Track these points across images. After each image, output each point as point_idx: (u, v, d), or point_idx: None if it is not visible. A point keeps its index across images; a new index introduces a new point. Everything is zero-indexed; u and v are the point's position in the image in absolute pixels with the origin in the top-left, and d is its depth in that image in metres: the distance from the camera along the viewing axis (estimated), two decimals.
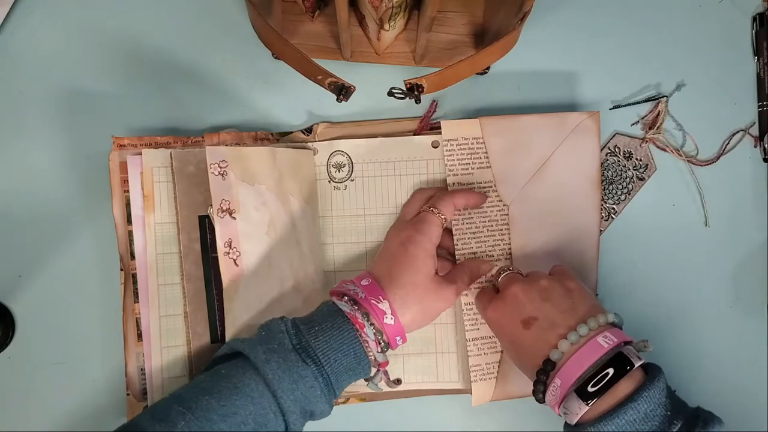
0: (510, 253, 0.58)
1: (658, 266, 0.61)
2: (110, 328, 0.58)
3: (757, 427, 0.61)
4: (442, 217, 0.53)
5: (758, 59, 0.63)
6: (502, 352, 0.57)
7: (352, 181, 0.59)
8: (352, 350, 0.48)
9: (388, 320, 0.49)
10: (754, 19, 0.63)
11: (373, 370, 0.51)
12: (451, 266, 0.56)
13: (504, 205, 0.58)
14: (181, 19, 0.61)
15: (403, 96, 0.52)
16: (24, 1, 0.61)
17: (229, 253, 0.54)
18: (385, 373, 0.52)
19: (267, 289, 0.55)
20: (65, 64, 0.60)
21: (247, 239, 0.54)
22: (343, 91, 0.51)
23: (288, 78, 0.60)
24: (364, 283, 0.51)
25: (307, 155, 0.58)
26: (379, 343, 0.49)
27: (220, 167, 0.54)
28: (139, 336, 0.56)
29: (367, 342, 0.48)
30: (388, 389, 0.55)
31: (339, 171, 0.59)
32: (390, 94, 0.52)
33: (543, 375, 0.45)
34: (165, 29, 0.61)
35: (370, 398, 0.59)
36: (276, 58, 0.60)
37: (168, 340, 0.55)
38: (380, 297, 0.49)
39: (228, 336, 0.53)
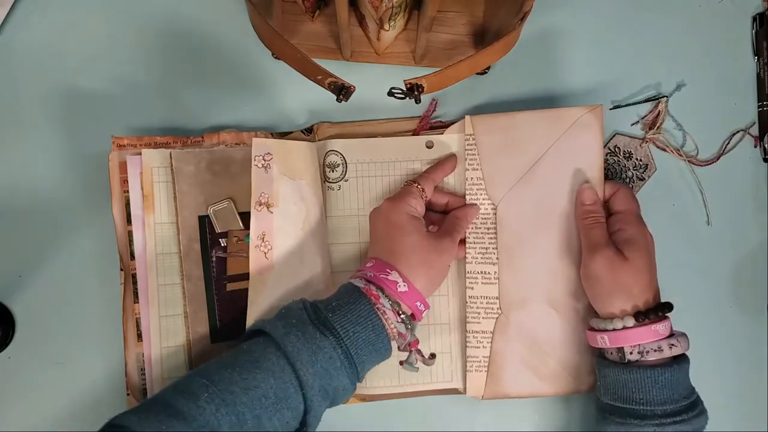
0: (497, 255, 0.58)
1: (658, 266, 0.61)
2: (110, 328, 0.58)
3: (757, 427, 0.61)
4: (420, 187, 0.55)
5: (758, 59, 0.63)
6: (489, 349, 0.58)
7: (346, 181, 0.59)
8: (370, 323, 0.48)
9: (402, 288, 0.49)
10: (754, 19, 0.63)
11: (405, 354, 0.52)
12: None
13: (493, 206, 0.58)
14: (181, 20, 0.61)
15: (403, 96, 0.52)
16: (24, 1, 0.61)
17: (260, 246, 0.54)
18: (419, 351, 0.53)
19: (295, 285, 0.55)
20: (65, 65, 0.60)
21: (281, 234, 0.54)
22: (343, 91, 0.51)
23: (288, 78, 0.60)
24: (369, 265, 0.51)
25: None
26: (399, 314, 0.49)
27: (265, 160, 0.54)
28: (139, 336, 0.56)
29: (385, 313, 0.49)
30: (426, 367, 0.57)
31: (333, 171, 0.59)
32: (390, 94, 0.52)
33: (661, 311, 0.50)
34: (165, 29, 0.61)
35: (371, 398, 0.59)
36: (276, 58, 0.60)
37: (168, 340, 0.55)
38: (388, 270, 0.50)
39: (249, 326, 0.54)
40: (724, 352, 0.61)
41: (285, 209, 0.55)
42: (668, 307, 0.50)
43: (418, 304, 0.50)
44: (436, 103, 0.61)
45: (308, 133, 0.60)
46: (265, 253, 0.54)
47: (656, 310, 0.50)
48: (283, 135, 0.60)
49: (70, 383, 0.58)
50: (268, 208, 0.54)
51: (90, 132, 0.60)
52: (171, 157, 0.55)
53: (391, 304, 0.49)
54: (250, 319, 0.54)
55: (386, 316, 0.49)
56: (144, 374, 0.56)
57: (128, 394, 0.56)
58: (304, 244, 0.55)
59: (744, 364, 0.61)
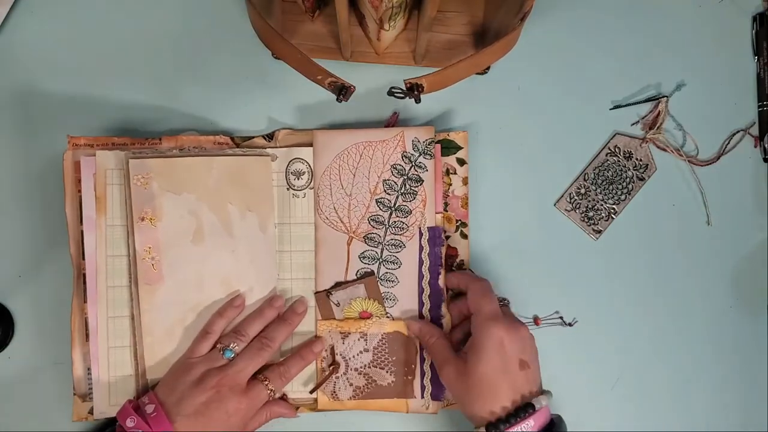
0: None
1: (658, 266, 0.61)
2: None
3: (757, 427, 0.61)
4: (272, 392, 0.54)
5: (758, 59, 0.63)
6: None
7: (311, 189, 0.59)
8: None
9: None
10: (754, 19, 0.63)
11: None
12: None
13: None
14: (181, 20, 0.61)
15: (403, 96, 0.52)
16: (24, 0, 0.61)
17: (146, 258, 0.55)
18: None
19: (191, 295, 0.56)
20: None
21: (169, 246, 0.55)
22: (343, 91, 0.51)
23: (288, 78, 0.60)
24: (149, 410, 0.50)
25: (261, 162, 0.58)
26: None
27: (144, 178, 0.55)
28: (87, 336, 0.56)
29: None
30: None
31: (298, 179, 0.58)
32: (390, 93, 0.52)
33: (523, 412, 0.48)
34: (167, 29, 0.61)
35: (322, 409, 0.58)
36: (276, 58, 0.60)
37: (115, 341, 0.55)
38: None
39: (145, 340, 0.55)
40: (724, 352, 0.61)
41: (170, 223, 0.55)
42: (528, 408, 0.49)
43: None
44: (398, 115, 0.60)
45: (269, 139, 0.59)
46: (152, 264, 0.55)
47: (515, 415, 0.48)
48: (244, 140, 0.59)
49: (71, 383, 0.58)
50: (151, 222, 0.55)
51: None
52: (126, 161, 0.55)
53: None
54: (146, 331, 0.55)
55: None
56: (90, 374, 0.56)
57: (74, 394, 0.56)
58: (197, 256, 0.56)
59: (744, 364, 0.61)
